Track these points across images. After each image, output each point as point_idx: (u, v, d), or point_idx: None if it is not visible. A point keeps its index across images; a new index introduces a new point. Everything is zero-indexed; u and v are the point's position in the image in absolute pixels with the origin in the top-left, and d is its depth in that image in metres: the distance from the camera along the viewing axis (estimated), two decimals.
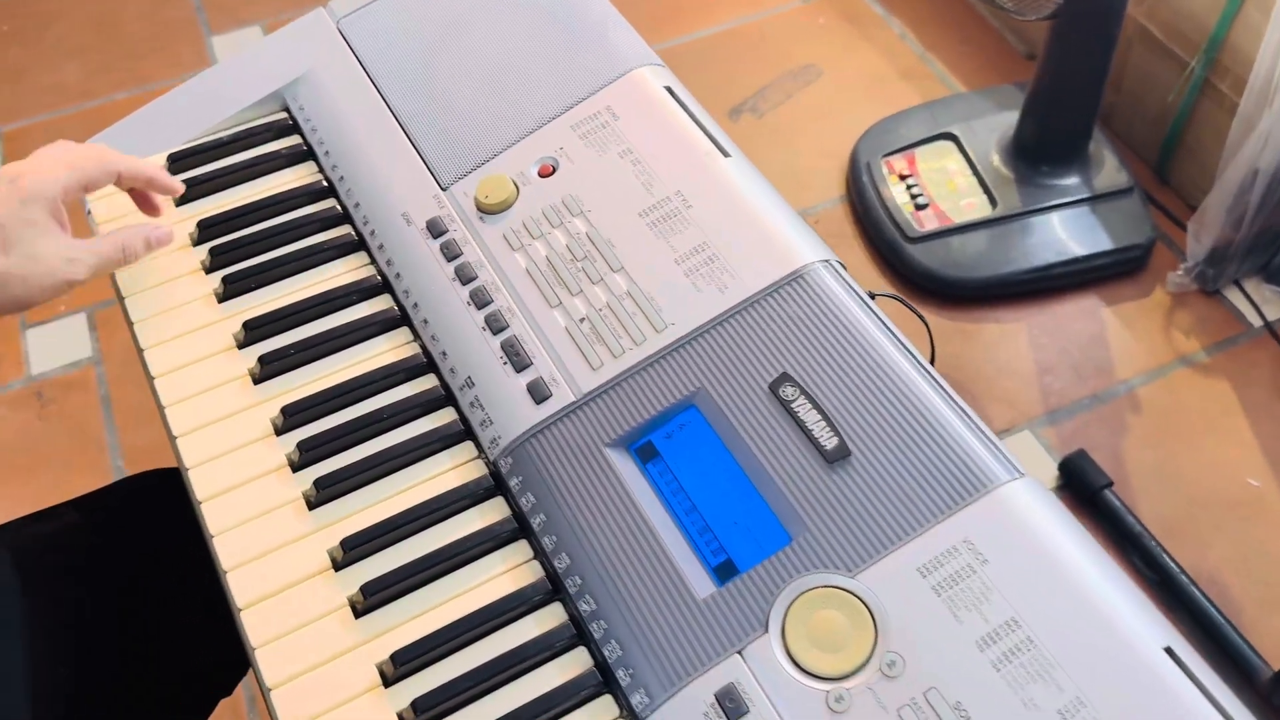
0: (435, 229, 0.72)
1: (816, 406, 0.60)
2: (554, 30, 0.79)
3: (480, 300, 0.68)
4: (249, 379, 0.69)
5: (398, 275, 0.72)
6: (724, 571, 0.57)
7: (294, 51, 0.82)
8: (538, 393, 0.64)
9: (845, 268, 0.66)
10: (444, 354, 0.68)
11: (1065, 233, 1.46)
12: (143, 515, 0.80)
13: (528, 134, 0.74)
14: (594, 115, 0.74)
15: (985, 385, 1.39)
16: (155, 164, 0.75)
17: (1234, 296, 1.43)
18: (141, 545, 0.76)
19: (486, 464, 0.65)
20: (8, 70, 1.79)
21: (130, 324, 0.72)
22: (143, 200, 0.76)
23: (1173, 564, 1.21)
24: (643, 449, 0.62)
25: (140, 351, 0.71)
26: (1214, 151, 1.40)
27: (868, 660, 0.53)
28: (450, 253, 0.71)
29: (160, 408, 0.69)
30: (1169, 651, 0.50)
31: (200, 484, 0.65)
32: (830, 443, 0.58)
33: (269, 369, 0.68)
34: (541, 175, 0.73)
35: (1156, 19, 1.45)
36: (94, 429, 1.41)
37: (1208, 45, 1.38)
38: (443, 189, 0.74)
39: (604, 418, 0.63)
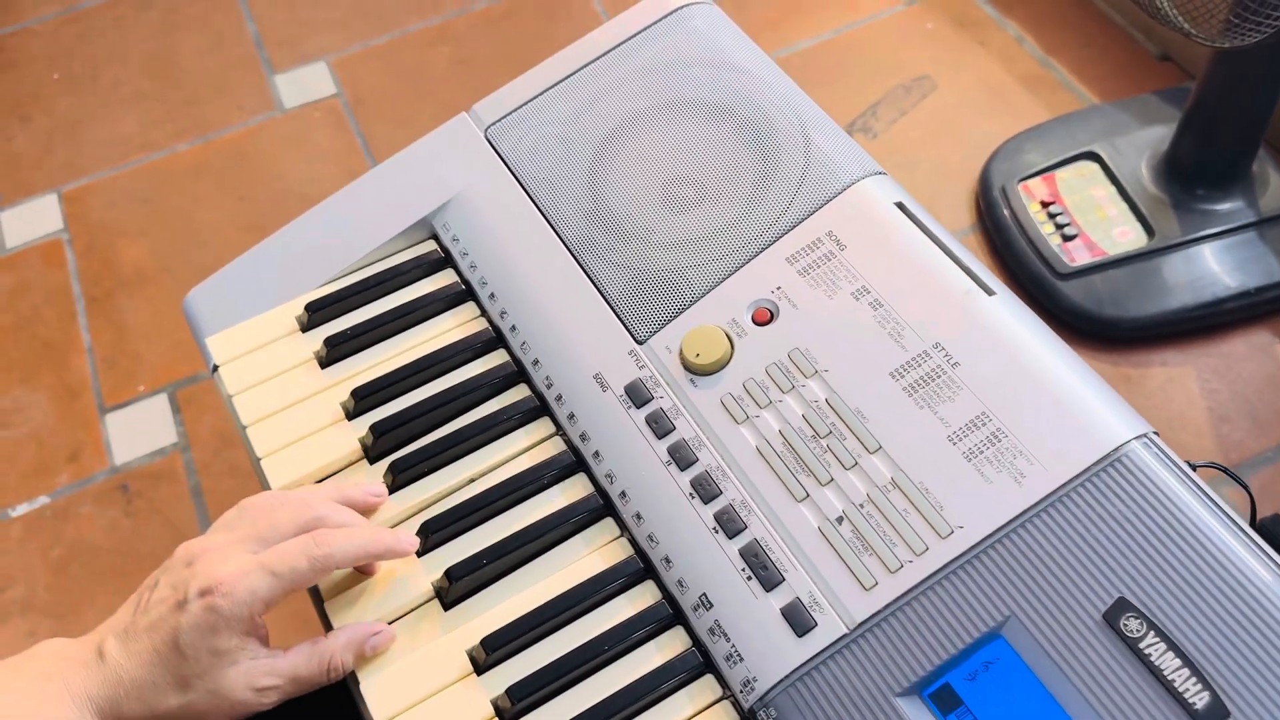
0: (637, 396, 0.60)
1: (1173, 646, 0.47)
2: (747, 137, 0.67)
3: (706, 492, 0.56)
4: (437, 604, 0.57)
5: (596, 454, 0.60)
6: None
7: (439, 169, 0.70)
8: (798, 622, 0.52)
9: (1160, 437, 0.54)
10: (667, 560, 0.56)
11: (1233, 262, 1.32)
12: None
13: (735, 270, 0.62)
14: (813, 244, 0.62)
15: None
16: (377, 535, 0.57)
17: None
18: None
19: (739, 711, 0.53)
20: (62, 124, 1.68)
21: None
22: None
23: None
24: (939, 695, 0.50)
25: None
26: None
27: None
28: (660, 428, 0.59)
29: None
30: None
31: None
32: (1200, 699, 0.46)
33: (457, 587, 0.57)
34: (757, 322, 0.60)
35: None
36: (185, 523, 1.31)
37: None
38: (639, 343, 0.62)
39: (886, 654, 0.51)
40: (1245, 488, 0.58)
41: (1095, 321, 1.32)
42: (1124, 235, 1.35)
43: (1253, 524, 0.57)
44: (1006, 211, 1.40)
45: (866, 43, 1.66)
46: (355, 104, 1.65)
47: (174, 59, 1.74)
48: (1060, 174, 1.42)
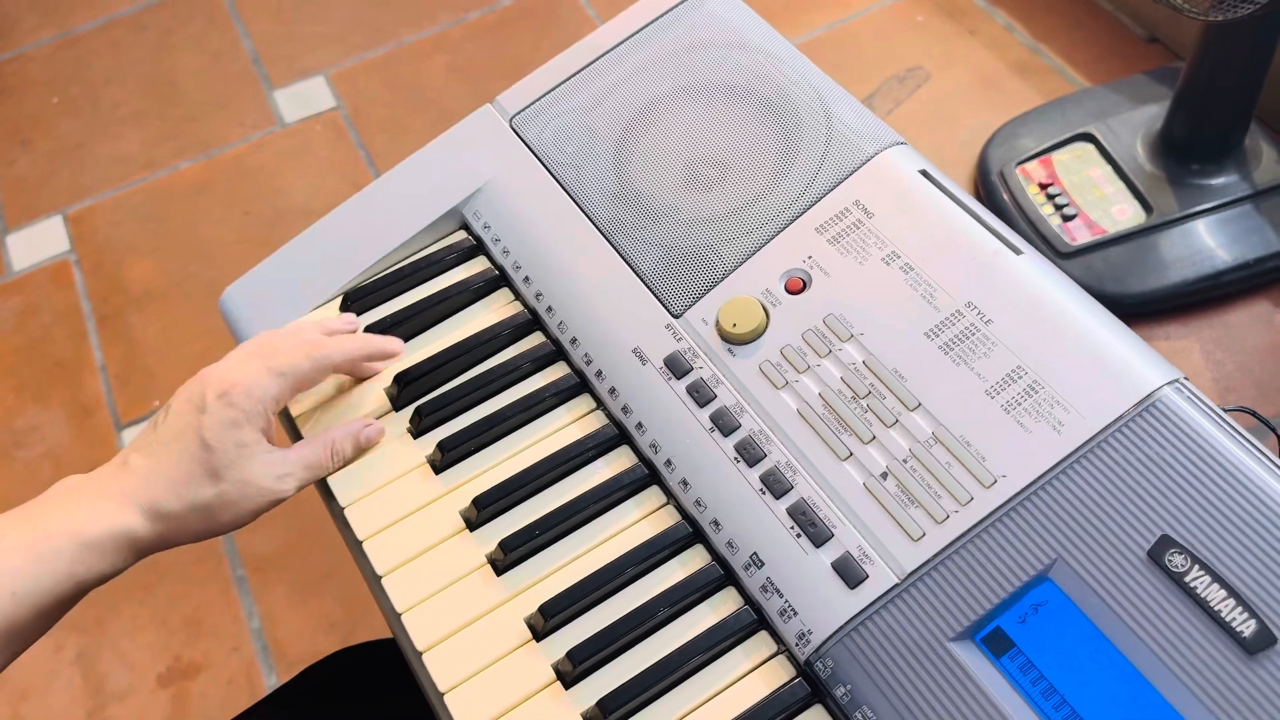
0: (677, 367, 0.61)
1: (1218, 579, 0.49)
2: (769, 114, 0.68)
3: (750, 455, 0.58)
4: (490, 569, 0.58)
5: (639, 425, 0.61)
6: None
7: (467, 159, 0.72)
8: (850, 574, 0.53)
9: (1190, 382, 0.55)
10: (716, 523, 0.57)
11: (1230, 235, 1.34)
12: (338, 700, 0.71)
13: (765, 243, 0.64)
14: (842, 214, 0.63)
15: None
16: (367, 338, 0.65)
17: None
18: None
19: (795, 665, 0.54)
20: (64, 147, 1.69)
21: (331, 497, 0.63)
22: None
23: None
24: (991, 638, 0.51)
25: (349, 528, 0.61)
26: None
27: None
28: (701, 396, 0.60)
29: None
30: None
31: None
32: (1247, 627, 0.48)
33: (511, 558, 0.58)
34: (791, 291, 0.62)
35: None
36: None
37: None
38: (675, 317, 0.63)
39: (937, 601, 0.52)
40: (1275, 430, 0.59)
41: (1098, 298, 1.33)
42: (1122, 213, 1.37)
43: None
44: (1006, 195, 1.42)
45: (859, 37, 1.69)
46: (355, 116, 1.66)
47: (172, 78, 1.75)
48: (1057, 156, 1.44)
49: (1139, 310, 1.34)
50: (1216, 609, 0.48)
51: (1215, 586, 0.49)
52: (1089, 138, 1.44)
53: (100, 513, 0.56)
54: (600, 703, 0.53)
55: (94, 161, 1.66)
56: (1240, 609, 0.48)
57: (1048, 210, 1.39)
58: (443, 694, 0.54)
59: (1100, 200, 1.39)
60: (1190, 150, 1.37)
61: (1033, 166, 1.44)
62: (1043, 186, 1.41)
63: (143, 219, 1.59)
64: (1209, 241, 1.34)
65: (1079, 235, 1.36)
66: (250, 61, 1.76)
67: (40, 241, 1.60)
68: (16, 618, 0.53)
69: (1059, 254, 1.35)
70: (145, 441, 0.59)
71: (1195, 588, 0.49)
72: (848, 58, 1.66)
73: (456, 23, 1.76)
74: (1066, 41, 1.64)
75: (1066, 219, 1.38)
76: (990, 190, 1.44)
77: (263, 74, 1.74)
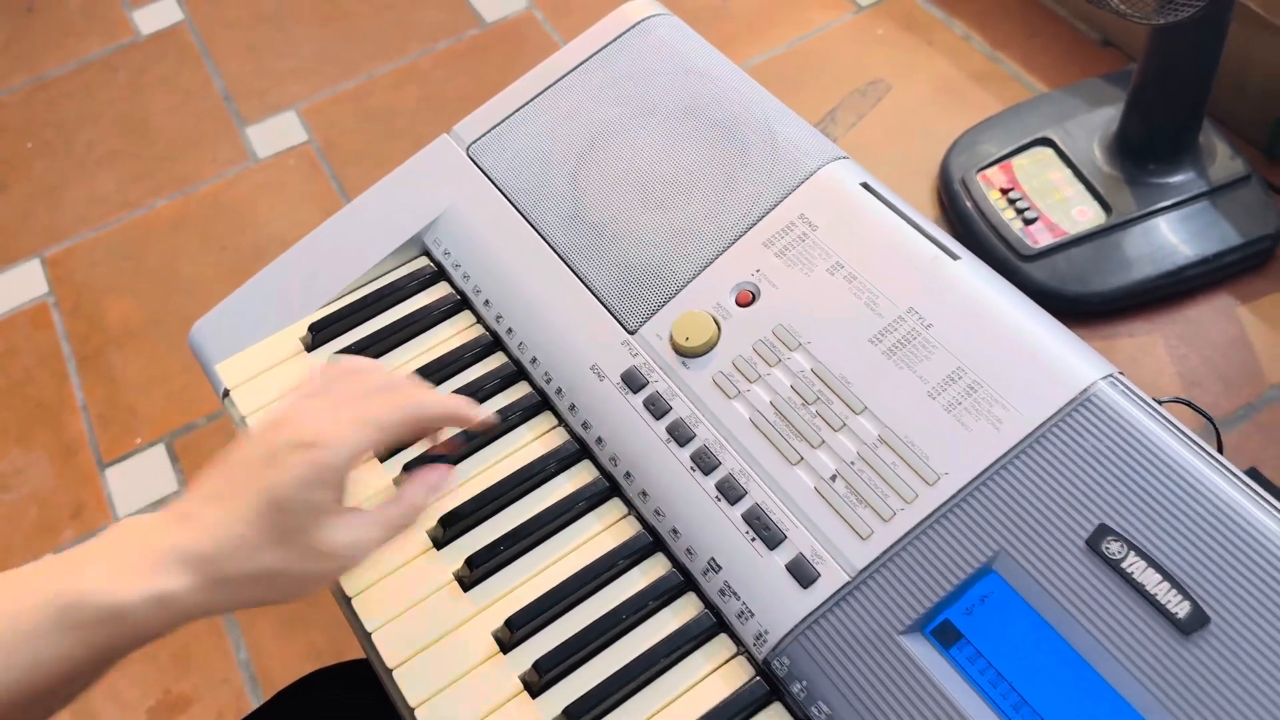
0: (633, 382, 0.63)
1: (1153, 564, 0.51)
2: (716, 134, 0.70)
3: (705, 464, 0.60)
4: (457, 585, 0.60)
5: (599, 440, 0.63)
6: None
7: (426, 189, 0.74)
8: (802, 575, 0.55)
9: (1125, 377, 0.58)
10: (675, 531, 0.59)
11: (1189, 231, 1.37)
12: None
13: (714, 258, 0.66)
14: (787, 228, 0.65)
15: None
16: (462, 399, 0.59)
17: None
18: None
19: (754, 664, 0.56)
20: (39, 189, 1.71)
21: None
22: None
23: None
24: (940, 630, 0.53)
25: None
26: None
27: None
28: (658, 409, 0.62)
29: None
30: None
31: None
32: (1181, 609, 0.50)
33: (477, 574, 0.60)
34: (741, 304, 0.64)
35: None
36: None
37: None
38: (630, 333, 0.65)
39: (887, 597, 0.54)
40: (1210, 419, 0.61)
41: (1061, 299, 1.36)
42: (1082, 214, 1.40)
43: (1220, 452, 0.61)
44: (968, 202, 1.45)
45: (820, 53, 1.71)
46: (327, 148, 1.68)
47: (145, 118, 1.77)
48: (1017, 161, 1.47)
49: (1103, 309, 1.37)
50: (1152, 593, 0.50)
51: (1150, 571, 0.51)
52: (1048, 142, 1.47)
53: (142, 573, 0.48)
54: (567, 710, 0.55)
55: (70, 203, 1.68)
56: (1175, 592, 0.50)
57: (1009, 215, 1.42)
58: (413, 709, 0.56)
59: (1060, 203, 1.42)
60: (1146, 150, 1.40)
61: (993, 172, 1.47)
62: (1004, 191, 1.44)
63: (121, 258, 1.61)
64: (1168, 238, 1.37)
65: (1041, 238, 1.39)
66: (222, 99, 1.78)
67: (19, 285, 1.61)
68: (35, 685, 0.46)
69: (1022, 257, 1.37)
70: (209, 492, 0.50)
71: (1132, 573, 0.51)
72: (810, 73, 1.69)
73: (425, 53, 1.78)
74: (1024, 48, 1.67)
75: (1028, 222, 1.40)
76: (953, 197, 1.47)
77: (234, 110, 1.76)
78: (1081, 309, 1.37)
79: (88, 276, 1.60)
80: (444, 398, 0.58)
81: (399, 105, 1.72)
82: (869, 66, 1.68)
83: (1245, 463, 1.22)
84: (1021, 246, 1.38)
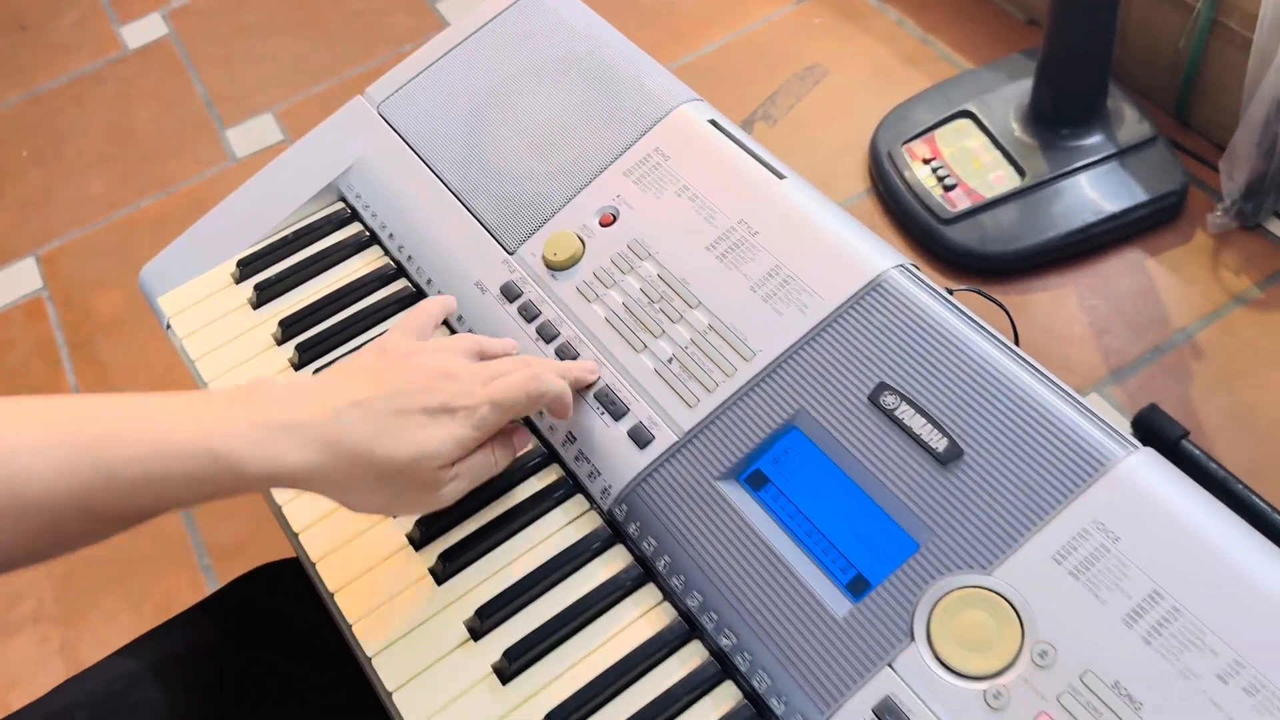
0: (510, 293, 0.73)
1: (920, 411, 0.60)
2: (591, 85, 0.81)
3: (566, 356, 0.70)
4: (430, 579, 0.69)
5: None
6: (856, 587, 0.58)
7: (340, 142, 0.84)
8: (640, 438, 0.65)
9: (919, 269, 0.67)
10: (540, 413, 0.69)
11: (1098, 191, 1.46)
12: (268, 610, 0.82)
13: (583, 187, 0.76)
14: (645, 159, 0.75)
15: (1045, 355, 1.39)
16: (573, 364, 0.68)
17: (1276, 228, 1.43)
18: (275, 640, 0.78)
19: (601, 514, 0.66)
20: (34, 193, 1.82)
21: None
22: None
23: (1264, 504, 1.20)
24: (752, 477, 0.63)
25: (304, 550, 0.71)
26: (1232, 89, 1.40)
27: (1018, 654, 0.53)
28: (529, 313, 0.72)
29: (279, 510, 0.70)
30: None
31: (330, 576, 0.66)
32: (940, 445, 0.59)
33: (450, 567, 0.69)
34: (603, 225, 0.74)
35: None
36: (175, 531, 1.43)
37: None
38: (510, 254, 0.75)
39: (709, 453, 0.64)
40: (1002, 306, 0.71)
41: (980, 258, 1.46)
42: (999, 179, 1.50)
43: (1016, 341, 0.71)
44: (894, 173, 1.55)
45: (762, 42, 1.82)
46: None
47: (132, 125, 1.89)
48: (938, 133, 1.56)
49: (1019, 266, 1.46)
50: (918, 433, 0.60)
51: (917, 416, 0.60)
52: (968, 114, 1.57)
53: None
54: (507, 652, 0.61)
55: (62, 205, 1.80)
56: (936, 431, 0.60)
57: (930, 183, 1.51)
58: (391, 693, 0.61)
59: (978, 170, 1.51)
60: (1056, 116, 1.50)
61: (917, 145, 1.56)
62: (926, 161, 1.54)
63: (109, 254, 1.72)
64: (1079, 198, 1.46)
65: (959, 202, 1.48)
66: (203, 104, 1.90)
67: (15, 282, 1.73)
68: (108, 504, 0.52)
69: (943, 221, 1.47)
70: (363, 397, 0.58)
71: (902, 419, 0.61)
72: (750, 62, 1.79)
73: (393, 54, 1.89)
74: (953, 31, 1.77)
75: (948, 189, 1.50)
76: (881, 170, 1.57)
77: (215, 115, 1.87)
78: (999, 267, 1.46)
79: (78, 272, 1.71)
80: (563, 368, 0.66)
81: None
82: (807, 53, 1.79)
83: (1149, 400, 1.31)
84: (942, 211, 1.48)
